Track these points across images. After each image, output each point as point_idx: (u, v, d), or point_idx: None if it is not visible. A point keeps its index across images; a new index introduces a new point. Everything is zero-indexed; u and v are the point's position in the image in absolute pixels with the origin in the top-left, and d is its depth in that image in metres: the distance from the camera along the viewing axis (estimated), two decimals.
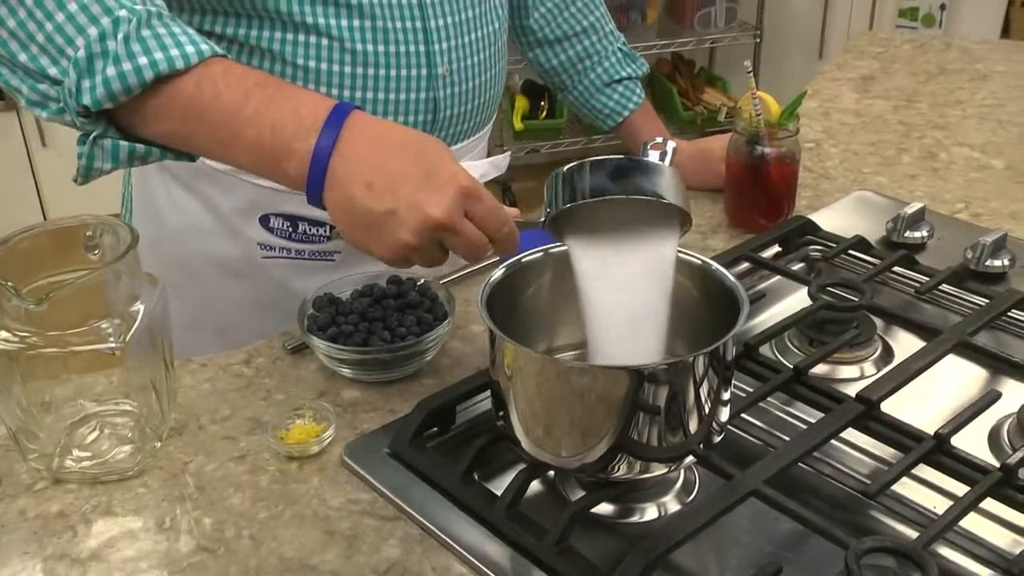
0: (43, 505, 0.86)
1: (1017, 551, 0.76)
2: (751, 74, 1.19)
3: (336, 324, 0.99)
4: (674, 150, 1.01)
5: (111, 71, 0.80)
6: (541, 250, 0.88)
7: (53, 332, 0.82)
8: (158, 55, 0.81)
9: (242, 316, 1.20)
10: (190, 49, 0.82)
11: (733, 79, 3.71)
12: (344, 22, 1.04)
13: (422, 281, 1.05)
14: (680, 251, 0.87)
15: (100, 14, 0.81)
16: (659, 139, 1.02)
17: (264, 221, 1.14)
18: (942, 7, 3.38)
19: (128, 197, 1.23)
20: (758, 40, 3.54)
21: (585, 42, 1.35)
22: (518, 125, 3.49)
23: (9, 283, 0.80)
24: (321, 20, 1.03)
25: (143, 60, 0.80)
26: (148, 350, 0.88)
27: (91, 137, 0.84)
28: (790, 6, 3.65)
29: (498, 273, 0.84)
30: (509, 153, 1.30)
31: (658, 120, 1.43)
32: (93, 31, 0.81)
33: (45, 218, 3.11)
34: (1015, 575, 0.73)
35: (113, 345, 0.83)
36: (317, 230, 1.15)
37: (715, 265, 0.85)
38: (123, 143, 0.85)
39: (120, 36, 0.81)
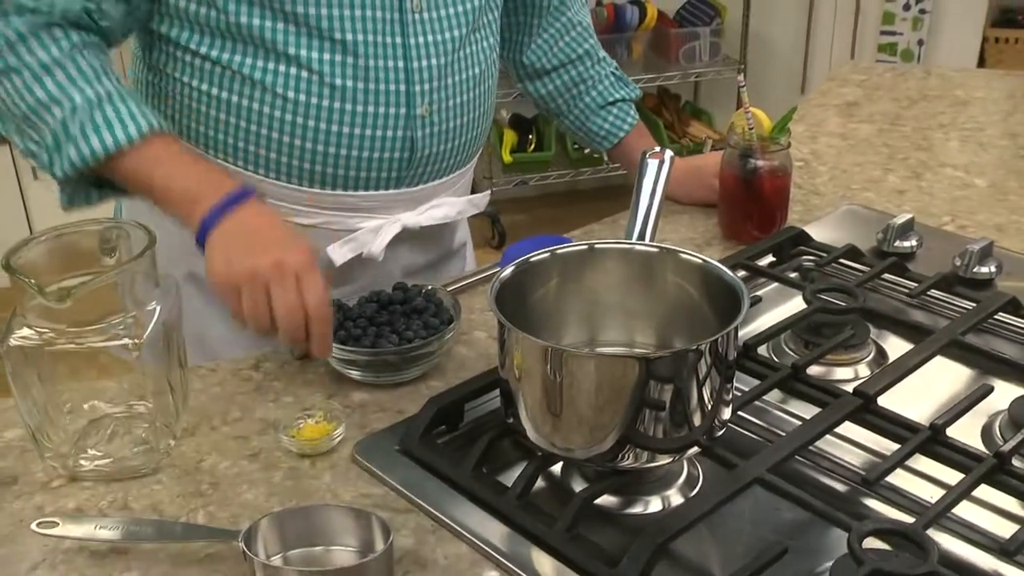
0: (60, 501, 0.88)
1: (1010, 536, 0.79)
2: (744, 88, 1.23)
3: (345, 328, 1.01)
4: (672, 159, 1.05)
5: (72, 152, 0.98)
6: (549, 250, 0.91)
7: (71, 329, 0.84)
8: (107, 138, 0.97)
9: (220, 330, 1.21)
10: (131, 129, 0.98)
11: (718, 113, 3.77)
12: (327, 56, 1.06)
13: (428, 287, 1.07)
14: (680, 250, 0.90)
15: (62, 98, 0.97)
16: (657, 148, 1.06)
17: None
18: (920, 42, 3.46)
19: (118, 208, 1.26)
20: (742, 73, 3.61)
21: (580, 67, 1.38)
22: (507, 158, 3.53)
23: (32, 280, 0.82)
24: (303, 52, 1.05)
25: (95, 142, 0.97)
26: (163, 349, 0.90)
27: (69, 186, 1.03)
28: (773, 42, 3.73)
29: (508, 271, 0.87)
30: (489, 192, 1.32)
31: (652, 141, 1.46)
32: (58, 114, 0.97)
33: None
34: (1010, 554, 0.76)
35: (129, 342, 0.85)
36: None
37: (714, 263, 0.88)
38: (93, 191, 1.05)
39: (78, 120, 0.97)
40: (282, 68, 1.06)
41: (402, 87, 1.09)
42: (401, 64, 1.09)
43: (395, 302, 1.05)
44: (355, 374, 1.01)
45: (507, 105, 3.57)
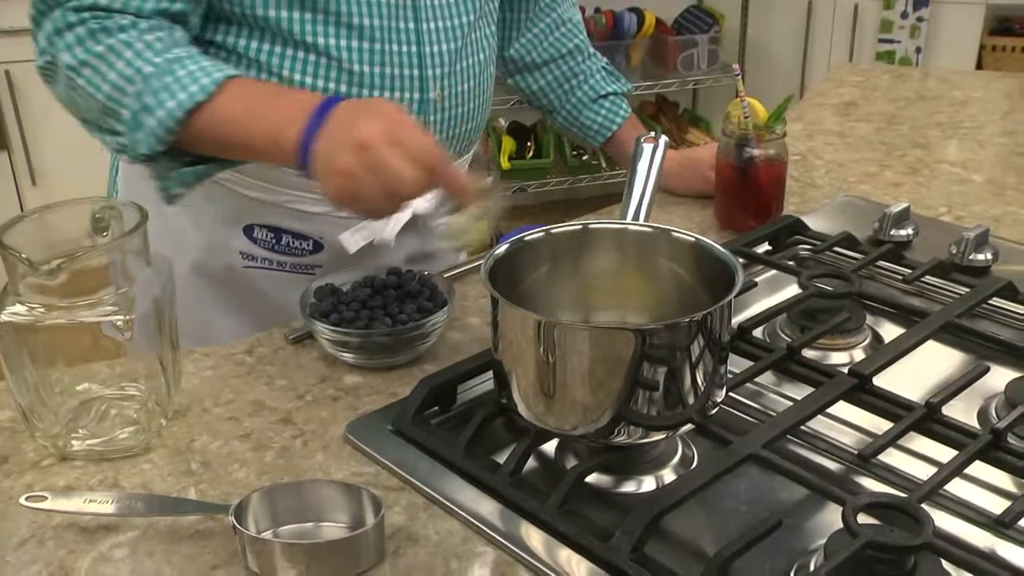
0: (50, 480, 0.87)
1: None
2: (739, 76, 1.23)
3: (338, 311, 1.01)
4: (666, 144, 1.05)
5: (152, 121, 0.95)
6: (543, 229, 0.90)
7: (62, 304, 0.83)
8: (182, 96, 0.94)
9: (221, 323, 1.22)
10: (205, 81, 0.95)
11: (716, 120, 3.77)
12: (343, 42, 1.07)
13: (424, 272, 1.07)
14: (673, 229, 0.90)
15: (134, 75, 0.95)
16: (651, 133, 1.06)
17: (248, 231, 1.17)
18: (918, 50, 3.46)
19: (112, 188, 1.26)
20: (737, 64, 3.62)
21: (571, 62, 1.39)
22: (505, 165, 3.53)
23: (23, 254, 0.82)
24: (320, 40, 1.06)
25: (171, 104, 0.94)
26: (155, 329, 0.90)
27: (162, 174, 1.01)
28: (771, 50, 3.74)
29: (502, 248, 0.87)
30: (492, 176, 1.33)
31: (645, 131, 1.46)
32: (131, 91, 0.95)
33: None
34: (1005, 525, 0.75)
35: (119, 318, 0.85)
36: (300, 243, 1.17)
37: (707, 241, 0.88)
38: (186, 169, 1.01)
39: (151, 89, 0.95)
40: (300, 55, 1.07)
41: (415, 72, 1.11)
42: (415, 49, 1.10)
43: (389, 286, 1.05)
44: (348, 357, 1.00)
45: (505, 112, 3.58)
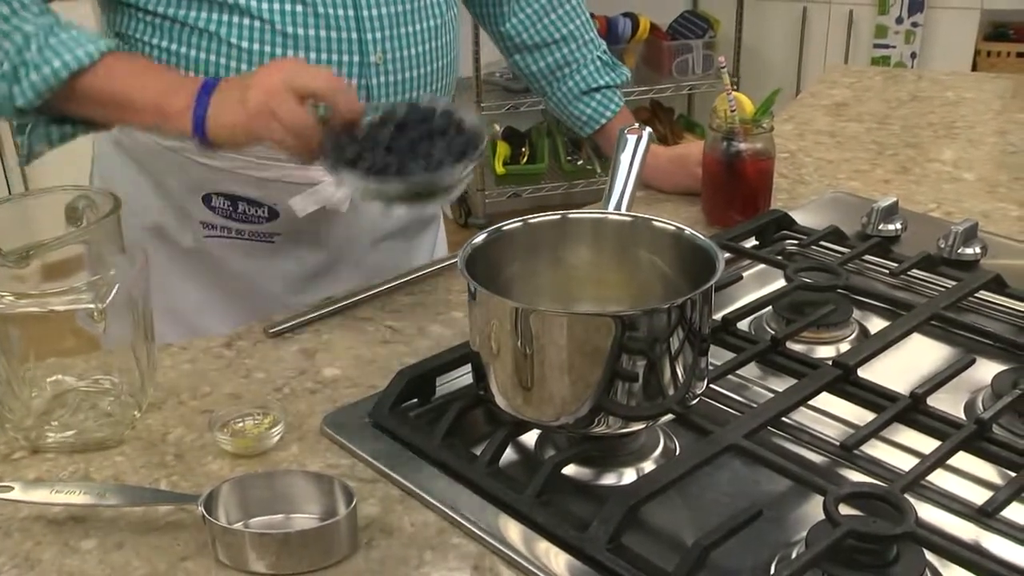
0: (20, 472, 0.86)
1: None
2: (725, 69, 1.22)
3: (364, 159, 0.96)
4: (650, 135, 1.04)
5: (34, 76, 0.99)
6: (522, 220, 0.89)
7: (33, 292, 0.82)
8: (67, 57, 0.99)
9: (190, 296, 1.22)
10: (91, 48, 1.00)
11: None
12: (277, 5, 1.07)
13: (447, 105, 1.02)
14: (653, 218, 0.89)
15: (11, 31, 0.99)
16: (636, 124, 1.05)
17: (207, 200, 1.17)
18: (913, 55, 3.46)
19: (92, 174, 1.27)
20: (735, 87, 3.61)
21: (564, 50, 1.38)
22: (499, 170, 3.52)
23: None
24: (254, 3, 1.07)
25: (57, 63, 0.99)
26: (129, 320, 0.89)
27: (28, 129, 1.05)
28: (766, 55, 3.73)
29: (480, 237, 0.86)
30: None
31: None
32: (9, 45, 0.99)
33: None
34: (989, 515, 0.74)
35: (92, 306, 0.83)
36: (256, 211, 1.17)
37: (687, 229, 0.86)
38: (53, 128, 1.06)
39: (34, 47, 0.99)
40: (235, 19, 1.07)
41: (354, 35, 1.10)
42: (352, 12, 1.10)
43: (413, 121, 0.99)
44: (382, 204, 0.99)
45: (500, 118, 3.57)
